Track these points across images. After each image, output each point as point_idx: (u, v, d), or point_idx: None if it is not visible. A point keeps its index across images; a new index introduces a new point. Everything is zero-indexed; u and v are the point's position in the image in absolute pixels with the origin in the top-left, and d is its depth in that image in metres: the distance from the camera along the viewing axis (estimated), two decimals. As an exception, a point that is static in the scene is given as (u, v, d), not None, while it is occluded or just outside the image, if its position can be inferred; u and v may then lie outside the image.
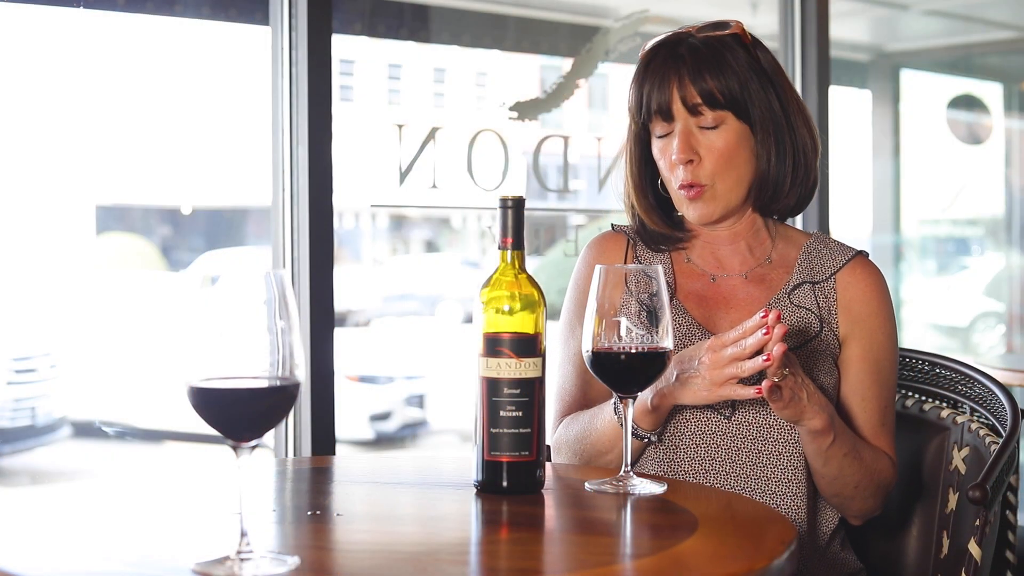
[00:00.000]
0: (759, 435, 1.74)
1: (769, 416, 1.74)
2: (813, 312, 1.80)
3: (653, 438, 1.72)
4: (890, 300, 1.85)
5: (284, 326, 1.18)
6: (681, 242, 1.89)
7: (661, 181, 1.86)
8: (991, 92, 6.09)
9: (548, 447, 1.86)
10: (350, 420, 6.16)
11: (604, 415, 1.74)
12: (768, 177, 1.81)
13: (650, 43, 1.85)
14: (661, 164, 1.82)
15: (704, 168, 1.77)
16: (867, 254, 1.87)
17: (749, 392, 1.58)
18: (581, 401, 1.86)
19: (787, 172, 1.81)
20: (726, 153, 1.77)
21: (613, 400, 1.71)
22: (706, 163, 1.77)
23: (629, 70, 1.88)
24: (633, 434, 1.70)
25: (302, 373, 1.19)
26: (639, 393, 1.56)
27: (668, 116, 1.78)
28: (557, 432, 1.84)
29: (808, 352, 1.78)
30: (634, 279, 1.49)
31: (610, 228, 1.94)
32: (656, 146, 1.82)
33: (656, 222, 1.87)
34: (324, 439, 2.67)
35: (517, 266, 1.50)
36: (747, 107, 1.77)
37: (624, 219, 1.96)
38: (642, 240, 1.90)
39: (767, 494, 1.74)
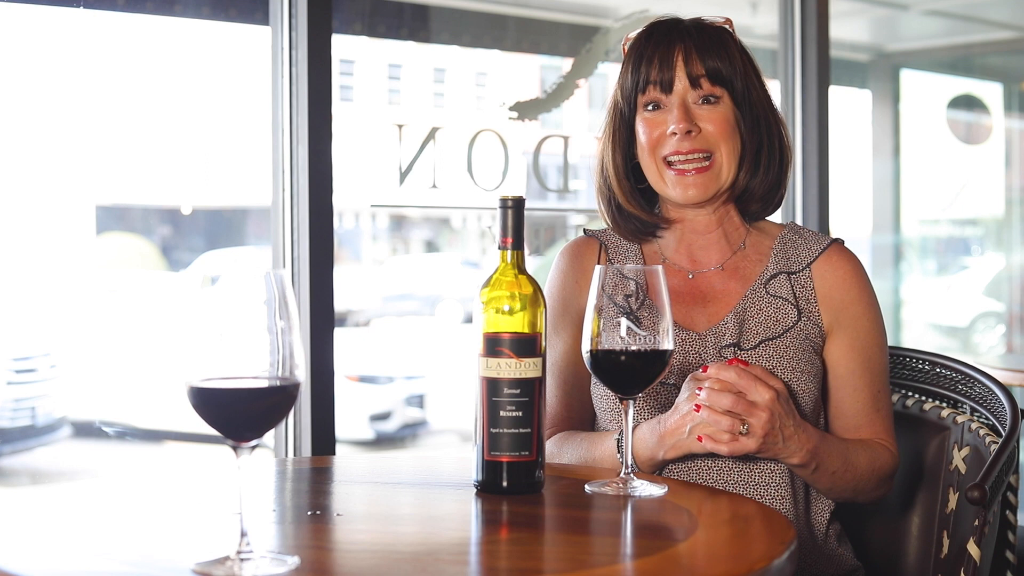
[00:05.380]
0: None
1: None
2: (790, 302, 1.80)
3: None
4: (870, 286, 1.84)
5: (284, 326, 1.18)
6: (658, 231, 1.88)
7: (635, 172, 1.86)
8: (991, 92, 6.09)
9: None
10: (350, 420, 6.16)
11: (605, 447, 1.74)
12: (752, 163, 1.82)
13: (636, 32, 1.86)
14: (645, 139, 1.81)
15: (704, 138, 1.78)
16: (843, 242, 1.87)
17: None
18: (563, 414, 1.86)
19: (767, 168, 1.84)
20: (724, 125, 1.78)
21: (616, 435, 1.72)
22: (705, 133, 1.78)
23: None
24: None
25: (302, 373, 1.19)
26: (647, 442, 1.64)
27: (668, 87, 1.78)
28: (547, 447, 1.83)
29: (786, 342, 1.77)
30: (634, 279, 1.49)
31: (582, 234, 1.94)
32: (643, 120, 1.81)
33: (636, 206, 1.86)
34: (324, 439, 2.67)
35: (517, 266, 1.50)
36: (744, 93, 1.80)
37: (595, 224, 1.96)
38: (620, 234, 1.89)
39: (750, 488, 1.74)
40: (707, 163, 1.78)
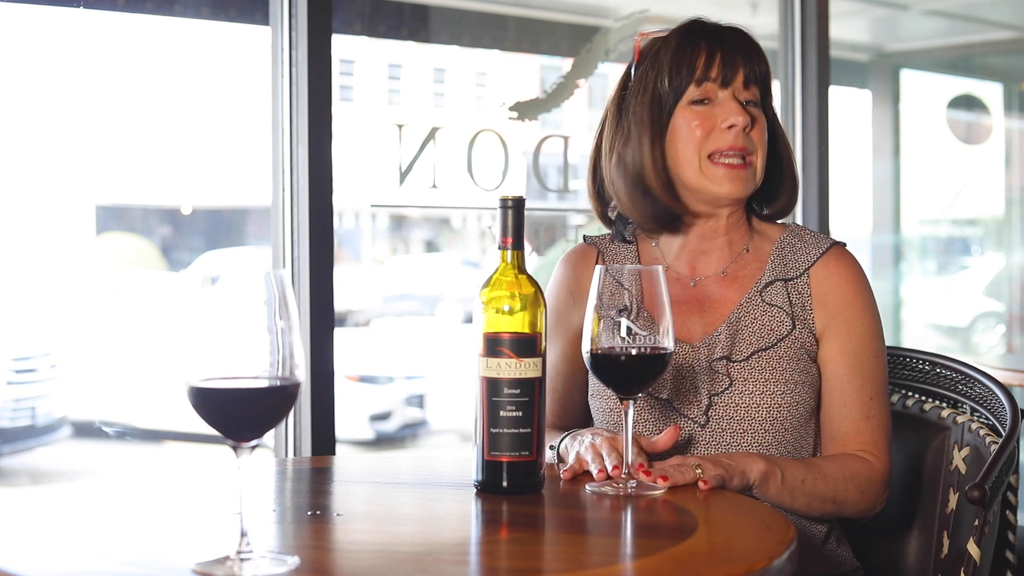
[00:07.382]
0: (732, 441, 1.74)
1: (743, 423, 1.74)
2: (785, 311, 1.79)
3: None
4: (869, 290, 1.82)
5: (284, 326, 1.18)
6: (663, 234, 1.86)
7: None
8: (991, 92, 6.09)
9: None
10: (350, 420, 6.16)
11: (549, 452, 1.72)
12: (775, 166, 1.84)
13: (655, 29, 1.85)
14: (694, 133, 1.77)
15: (750, 138, 1.79)
16: (844, 244, 1.85)
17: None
18: (556, 424, 1.87)
19: (784, 170, 1.86)
20: (763, 129, 1.81)
21: (555, 443, 1.70)
22: (754, 132, 1.79)
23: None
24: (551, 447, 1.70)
25: (302, 373, 1.20)
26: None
27: (728, 82, 1.77)
28: None
29: (779, 352, 1.76)
30: (635, 279, 1.49)
31: (582, 240, 1.94)
32: (691, 113, 1.78)
33: (671, 198, 1.80)
34: (324, 439, 2.67)
35: (517, 266, 1.50)
36: (770, 100, 1.84)
37: (596, 225, 1.96)
38: (621, 239, 1.89)
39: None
40: (745, 162, 1.78)
